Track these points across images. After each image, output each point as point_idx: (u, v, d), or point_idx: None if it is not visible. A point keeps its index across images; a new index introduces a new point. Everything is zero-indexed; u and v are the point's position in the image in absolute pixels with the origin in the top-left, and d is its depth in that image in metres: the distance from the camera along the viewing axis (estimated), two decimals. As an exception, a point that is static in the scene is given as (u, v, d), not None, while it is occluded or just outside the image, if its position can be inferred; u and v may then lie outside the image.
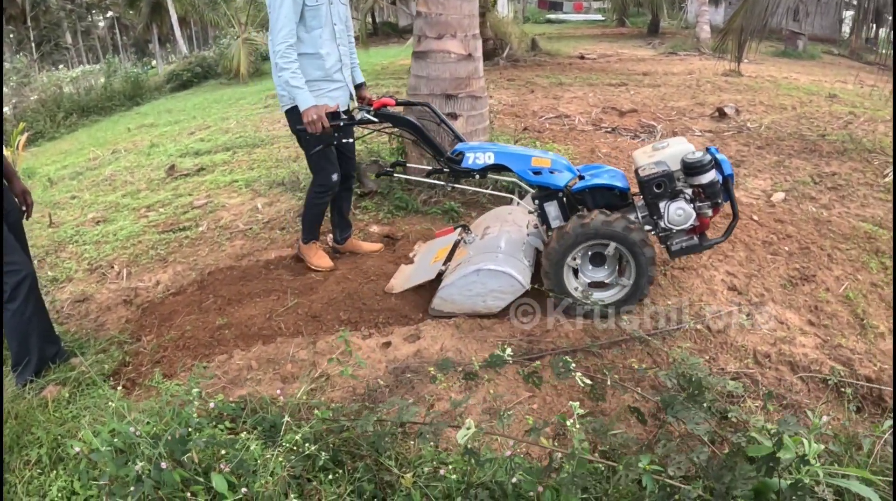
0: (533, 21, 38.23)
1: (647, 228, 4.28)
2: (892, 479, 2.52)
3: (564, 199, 4.39)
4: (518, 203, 5.05)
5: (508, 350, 2.83)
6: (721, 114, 10.42)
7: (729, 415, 2.84)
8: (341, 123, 4.46)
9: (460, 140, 4.63)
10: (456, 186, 4.94)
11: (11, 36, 42.35)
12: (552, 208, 4.38)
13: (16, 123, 15.60)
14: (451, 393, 3.60)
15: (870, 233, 5.90)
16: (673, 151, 4.17)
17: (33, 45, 41.13)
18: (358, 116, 4.52)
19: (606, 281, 4.37)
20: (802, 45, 22.45)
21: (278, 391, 3.35)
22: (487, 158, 4.24)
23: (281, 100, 4.83)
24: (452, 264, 4.55)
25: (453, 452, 2.86)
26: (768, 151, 8.45)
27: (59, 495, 2.69)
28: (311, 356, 3.97)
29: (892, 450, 2.77)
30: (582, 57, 18.49)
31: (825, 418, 2.85)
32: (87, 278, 5.64)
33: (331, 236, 5.57)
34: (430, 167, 4.83)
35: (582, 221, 4.03)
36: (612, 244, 4.10)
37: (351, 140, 5.11)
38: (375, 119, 4.46)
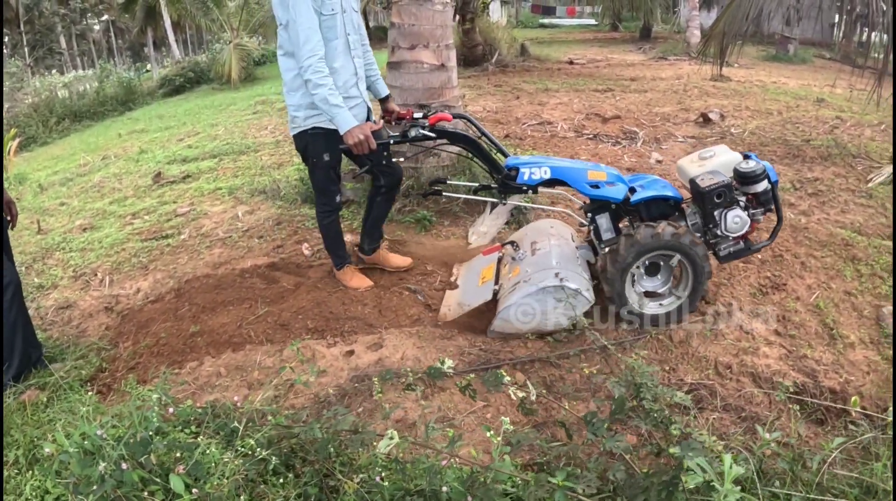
0: (526, 26, 38.32)
1: (697, 235, 4.35)
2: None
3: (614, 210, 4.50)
4: (491, 209, 5.14)
5: (448, 362, 2.94)
6: (705, 119, 10.48)
7: (671, 428, 2.88)
8: (392, 142, 4.29)
9: (503, 153, 4.51)
10: (507, 202, 4.72)
11: (6, 40, 42.40)
12: (604, 221, 4.48)
13: (8, 129, 15.69)
14: (408, 402, 3.68)
15: (847, 240, 5.96)
16: (722, 160, 4.36)
17: (27, 49, 41.18)
18: (412, 132, 4.25)
19: (660, 291, 4.48)
20: (793, 50, 22.51)
21: (236, 398, 3.44)
22: (543, 173, 4.24)
23: (292, 122, 4.50)
24: (507, 284, 4.48)
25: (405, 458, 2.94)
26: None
27: (33, 494, 2.83)
28: (277, 363, 4.10)
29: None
30: (571, 62, 18.53)
31: (776, 433, 2.91)
32: (71, 285, 5.75)
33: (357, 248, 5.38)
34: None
35: (653, 231, 4.08)
36: (676, 256, 4.23)
37: (397, 159, 4.88)
38: (432, 135, 4.26)
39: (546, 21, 40.39)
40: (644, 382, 2.85)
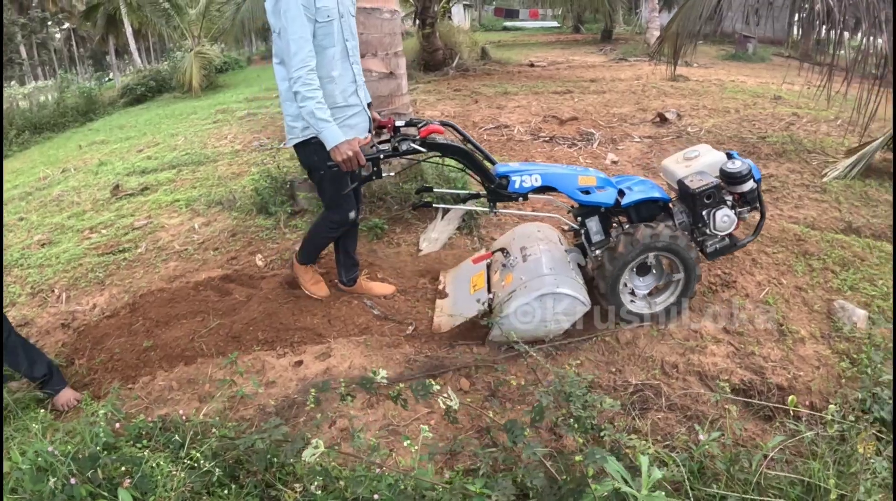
0: (489, 29, 38.46)
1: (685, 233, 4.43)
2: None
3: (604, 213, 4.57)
4: (443, 215, 5.17)
5: (382, 372, 2.96)
6: (662, 119, 10.60)
7: (602, 435, 2.89)
8: (382, 157, 4.10)
9: (491, 161, 4.42)
10: (498, 211, 4.54)
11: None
12: (594, 224, 4.54)
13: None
14: (353, 411, 3.72)
15: (800, 235, 6.06)
16: (708, 161, 4.50)
17: (-16, 60, 40.67)
18: (403, 146, 4.09)
19: (658, 285, 4.61)
20: (752, 48, 22.82)
21: (181, 412, 3.46)
22: (534, 181, 4.21)
23: (290, 132, 4.32)
24: (502, 292, 4.45)
25: (345, 467, 2.96)
26: (705, 157, 8.63)
27: (-9, 509, 2.84)
28: (228, 375, 4.10)
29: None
30: (532, 65, 18.69)
31: (716, 433, 2.96)
32: (29, 302, 5.72)
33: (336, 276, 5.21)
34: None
35: (652, 231, 4.16)
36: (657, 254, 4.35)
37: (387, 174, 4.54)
38: (423, 149, 4.12)
39: (509, 24, 40.65)
40: (573, 390, 2.90)
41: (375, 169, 4.14)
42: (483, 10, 43.12)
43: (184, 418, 3.32)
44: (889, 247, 6.15)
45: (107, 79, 38.15)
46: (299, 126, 4.22)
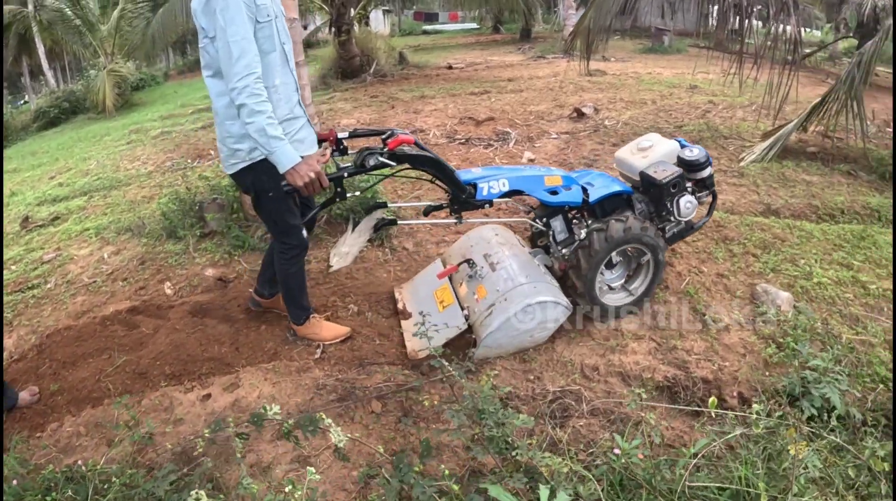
0: (409, 33, 38.38)
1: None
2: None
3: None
4: (353, 228, 4.97)
5: (275, 408, 2.80)
6: (579, 114, 10.64)
7: (515, 454, 2.73)
8: (346, 175, 3.72)
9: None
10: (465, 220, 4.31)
11: None
12: (558, 223, 4.54)
13: None
14: (263, 444, 3.54)
15: (719, 221, 6.10)
16: (664, 150, 4.64)
17: None
18: (371, 161, 3.71)
19: (623, 281, 4.72)
20: (668, 41, 23.16)
21: (88, 460, 3.26)
22: (502, 186, 4.11)
23: (232, 156, 3.75)
24: (478, 306, 4.27)
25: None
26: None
27: None
28: (136, 416, 3.83)
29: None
30: (450, 67, 18.59)
31: (636, 441, 2.81)
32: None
33: (254, 288, 4.87)
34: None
35: (624, 225, 4.20)
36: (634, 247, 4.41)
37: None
38: (392, 163, 3.77)
39: (429, 27, 40.66)
40: (486, 407, 2.72)
41: (339, 190, 3.77)
42: (403, 15, 42.98)
43: (89, 466, 3.11)
44: (808, 225, 6.16)
45: (21, 101, 36.98)
46: (245, 148, 3.67)
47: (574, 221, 4.66)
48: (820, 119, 8.49)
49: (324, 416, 2.80)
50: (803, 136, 9.40)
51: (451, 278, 4.71)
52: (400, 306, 4.84)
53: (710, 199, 4.91)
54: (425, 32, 39.08)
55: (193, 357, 4.40)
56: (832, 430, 3.07)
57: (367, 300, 5.02)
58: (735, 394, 3.86)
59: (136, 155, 11.66)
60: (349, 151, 4.09)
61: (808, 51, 20.27)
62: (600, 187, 4.48)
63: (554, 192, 4.28)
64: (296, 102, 3.83)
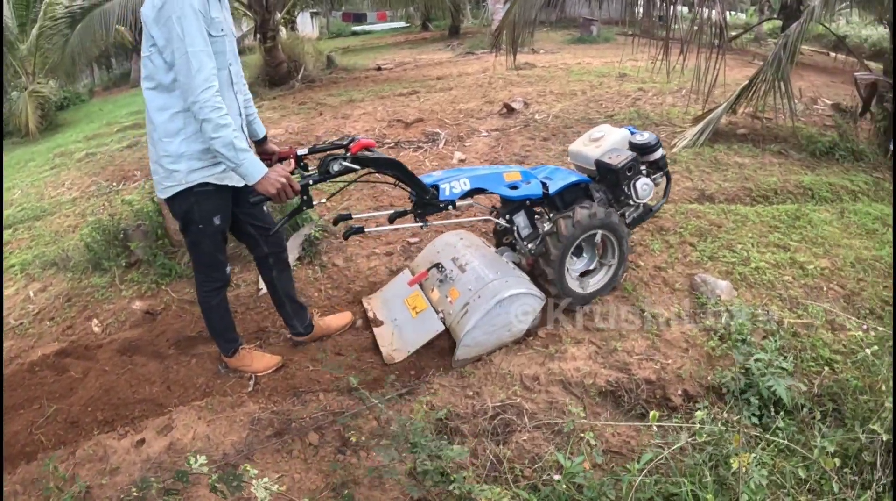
0: (338, 35, 37.94)
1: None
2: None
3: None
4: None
5: (202, 459, 2.63)
6: (509, 110, 10.50)
7: (452, 488, 2.59)
8: (312, 182, 3.60)
9: None
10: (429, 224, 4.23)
11: None
12: (521, 219, 4.60)
13: None
14: (202, 490, 3.29)
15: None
16: (615, 138, 4.75)
17: None
18: (335, 167, 3.59)
19: (591, 268, 4.79)
20: (597, 30, 23.31)
21: None
22: (463, 185, 4.10)
23: (168, 178, 3.52)
24: (452, 309, 4.27)
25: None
26: (553, 142, 8.55)
27: None
28: (71, 468, 3.58)
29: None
30: (379, 68, 18.30)
31: (579, 458, 2.67)
32: None
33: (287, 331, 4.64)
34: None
35: (590, 211, 4.31)
36: (599, 233, 4.51)
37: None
38: (356, 167, 3.68)
39: (358, 28, 40.20)
40: (418, 440, 2.56)
41: (305, 198, 3.64)
42: (331, 17, 42.57)
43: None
44: (743, 208, 6.14)
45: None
46: (183, 169, 3.45)
47: (536, 216, 4.72)
48: (749, 101, 8.51)
49: (248, 468, 2.66)
50: (733, 118, 9.44)
51: (421, 286, 4.73)
52: (370, 315, 4.80)
53: (664, 181, 5.06)
54: (354, 33, 38.64)
55: (125, 400, 4.11)
56: (778, 430, 2.96)
57: None
58: (680, 393, 3.73)
59: (60, 180, 11.15)
60: (309, 168, 3.95)
61: (734, 33, 20.60)
62: (558, 180, 4.57)
63: (514, 187, 4.34)
64: (238, 126, 3.55)
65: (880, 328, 4.17)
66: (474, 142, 9.00)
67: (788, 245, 5.43)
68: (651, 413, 2.70)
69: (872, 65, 9.75)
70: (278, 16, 16.98)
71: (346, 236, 4.10)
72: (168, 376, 4.35)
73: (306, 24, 37.11)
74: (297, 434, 3.63)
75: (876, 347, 3.54)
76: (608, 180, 4.72)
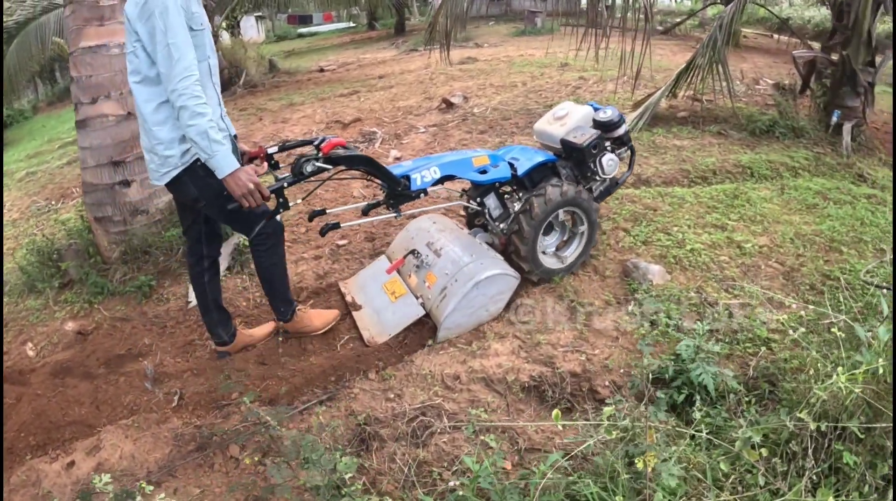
0: (284, 38, 37.53)
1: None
2: None
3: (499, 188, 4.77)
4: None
5: (106, 477, 2.55)
6: (448, 104, 10.40)
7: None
8: (287, 185, 3.62)
9: None
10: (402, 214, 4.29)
11: None
12: (492, 201, 4.71)
13: None
14: None
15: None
16: (579, 116, 4.82)
17: None
18: (308, 168, 3.61)
19: (564, 239, 4.85)
20: (540, 22, 23.30)
21: None
22: (434, 174, 4.17)
23: (164, 164, 3.58)
24: (431, 293, 4.38)
25: None
26: (491, 134, 8.43)
27: None
28: (7, 495, 3.44)
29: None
30: (321, 70, 18.05)
31: (488, 461, 2.50)
32: None
33: (211, 343, 4.54)
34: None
35: (560, 189, 4.42)
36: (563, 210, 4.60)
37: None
38: (329, 167, 3.69)
39: (304, 30, 39.72)
40: (310, 455, 2.40)
41: (282, 200, 3.68)
42: (276, 20, 42.10)
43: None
44: (680, 190, 6.13)
45: None
46: (176, 153, 3.51)
47: (506, 196, 4.85)
48: (689, 84, 8.51)
49: (144, 484, 2.60)
50: (674, 102, 9.39)
51: (399, 272, 4.83)
52: (349, 299, 4.88)
53: (629, 154, 5.13)
54: (300, 36, 38.25)
55: (56, 423, 3.96)
56: (703, 421, 2.78)
57: None
58: (607, 384, 3.58)
59: (0, 202, 10.87)
60: (280, 166, 4.05)
61: (678, 20, 20.69)
62: (526, 160, 4.65)
63: (483, 171, 4.42)
64: (219, 115, 3.70)
65: (809, 308, 4.05)
66: (412, 139, 8.85)
67: (726, 225, 5.35)
68: (554, 413, 2.52)
69: (815, 45, 9.77)
70: (218, 20, 16.70)
71: (322, 233, 4.12)
72: (97, 396, 4.22)
73: (251, 28, 36.75)
74: (218, 448, 3.52)
75: (803, 329, 3.44)
76: (574, 158, 4.81)
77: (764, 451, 2.43)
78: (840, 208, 5.89)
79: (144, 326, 4.98)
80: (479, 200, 4.70)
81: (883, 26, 20.24)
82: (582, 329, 4.08)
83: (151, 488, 2.61)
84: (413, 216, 5.30)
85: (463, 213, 5.45)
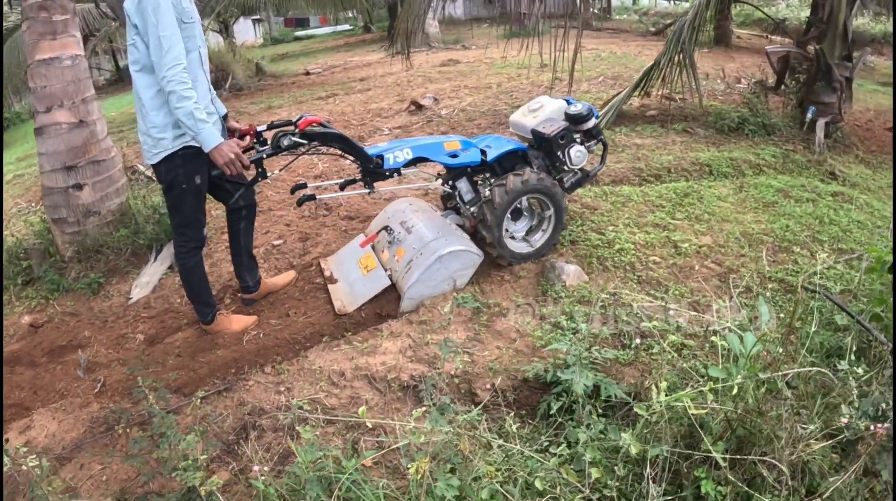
0: (281, 41, 37.41)
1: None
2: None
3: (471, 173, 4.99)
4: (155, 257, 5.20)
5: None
6: (417, 107, 10.36)
7: (175, 475, 2.61)
8: (265, 156, 3.97)
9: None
10: (375, 191, 4.62)
11: None
12: (463, 184, 4.94)
13: None
14: None
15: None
16: (552, 109, 5.05)
17: None
18: (285, 142, 4.01)
19: (533, 224, 4.98)
20: (531, 24, 23.13)
21: None
22: (406, 155, 4.46)
23: (156, 146, 3.98)
24: (398, 266, 4.67)
25: None
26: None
27: None
28: None
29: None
30: (307, 73, 18.00)
31: (357, 459, 2.38)
32: None
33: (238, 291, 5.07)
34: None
35: (522, 178, 4.57)
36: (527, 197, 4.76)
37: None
38: (304, 142, 4.09)
39: (301, 33, 39.63)
40: (167, 431, 2.74)
41: (260, 170, 4.06)
42: (274, 23, 42.05)
43: None
44: (628, 189, 6.08)
45: None
46: (168, 137, 3.93)
47: (479, 182, 5.05)
48: (653, 83, 8.40)
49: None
50: (647, 101, 9.26)
51: (374, 248, 5.10)
52: (327, 273, 5.20)
53: (600, 148, 5.28)
54: (297, 38, 38.18)
55: None
56: (537, 432, 2.61)
57: (156, 327, 4.97)
58: (489, 386, 3.50)
59: None
60: (267, 142, 4.37)
61: (669, 21, 20.53)
62: (497, 148, 4.87)
63: (454, 156, 4.67)
64: (209, 100, 4.13)
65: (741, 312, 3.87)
66: (374, 140, 8.77)
67: (668, 224, 5.24)
68: (360, 409, 2.38)
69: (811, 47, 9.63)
70: (205, 23, 16.63)
71: (299, 203, 4.53)
72: (36, 382, 4.58)
73: (248, 31, 36.82)
74: (124, 429, 3.75)
75: (674, 337, 3.31)
76: (544, 148, 5.00)
77: (594, 471, 2.24)
78: (800, 206, 5.74)
79: (88, 320, 5.22)
80: (451, 183, 4.93)
81: (880, 26, 20.12)
82: (480, 330, 4.04)
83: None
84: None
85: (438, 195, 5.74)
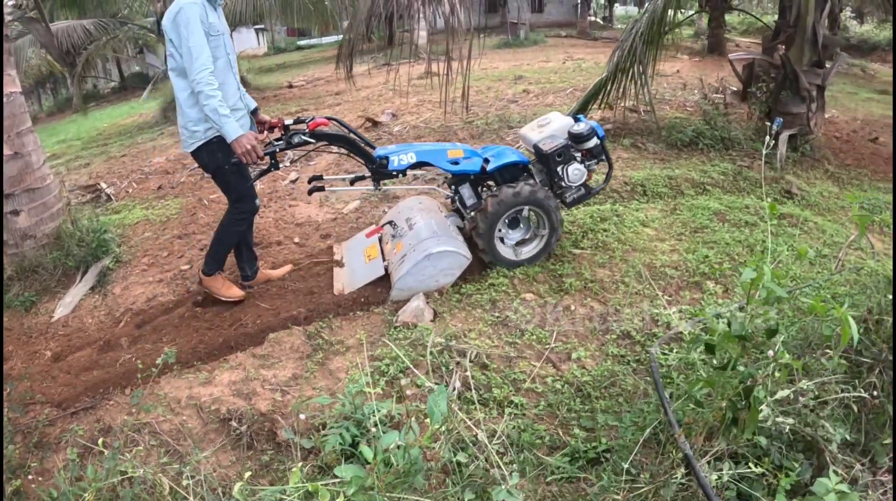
0: (283, 50, 37.63)
1: (546, 188, 5.11)
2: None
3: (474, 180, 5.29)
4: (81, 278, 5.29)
5: None
6: (373, 123, 10.40)
7: None
8: (278, 149, 4.63)
9: (371, 146, 5.03)
10: (382, 188, 5.22)
11: None
12: (466, 190, 5.24)
13: None
14: None
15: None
16: (558, 125, 5.22)
17: None
18: (295, 139, 4.67)
19: (526, 237, 5.23)
20: (524, 34, 23.12)
21: None
22: (410, 158, 4.88)
23: (191, 137, 4.68)
24: (394, 258, 4.98)
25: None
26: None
27: None
28: None
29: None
30: (290, 86, 18.07)
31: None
32: None
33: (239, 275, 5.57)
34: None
35: (514, 190, 4.82)
36: (527, 209, 4.99)
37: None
38: (312, 140, 4.70)
39: (303, 42, 39.80)
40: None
41: (273, 161, 4.70)
42: (276, 32, 42.06)
43: None
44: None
45: None
46: (201, 129, 4.59)
47: (483, 189, 5.35)
48: (619, 95, 8.25)
49: None
50: (607, 114, 9.01)
51: (381, 239, 5.46)
52: (337, 257, 5.68)
53: (601, 167, 5.43)
54: (299, 48, 38.28)
55: None
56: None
57: (62, 345, 5.13)
58: (289, 427, 3.47)
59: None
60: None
61: (665, 28, 20.21)
62: (499, 159, 5.13)
63: (455, 163, 5.00)
64: (237, 98, 4.77)
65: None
66: (318, 161, 8.75)
67: (566, 255, 5.21)
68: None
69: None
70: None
71: (309, 193, 5.14)
72: None
73: (251, 40, 36.98)
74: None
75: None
76: (544, 163, 5.16)
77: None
78: (732, 232, 5.53)
79: (17, 335, 5.46)
80: (454, 188, 5.28)
81: (884, 32, 19.72)
82: (312, 367, 4.03)
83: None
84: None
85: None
